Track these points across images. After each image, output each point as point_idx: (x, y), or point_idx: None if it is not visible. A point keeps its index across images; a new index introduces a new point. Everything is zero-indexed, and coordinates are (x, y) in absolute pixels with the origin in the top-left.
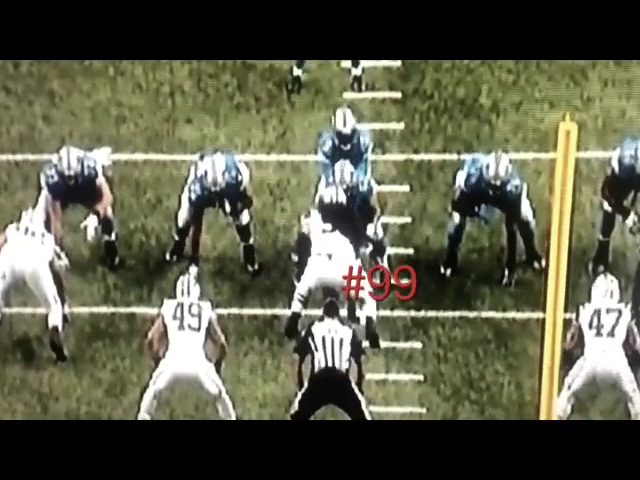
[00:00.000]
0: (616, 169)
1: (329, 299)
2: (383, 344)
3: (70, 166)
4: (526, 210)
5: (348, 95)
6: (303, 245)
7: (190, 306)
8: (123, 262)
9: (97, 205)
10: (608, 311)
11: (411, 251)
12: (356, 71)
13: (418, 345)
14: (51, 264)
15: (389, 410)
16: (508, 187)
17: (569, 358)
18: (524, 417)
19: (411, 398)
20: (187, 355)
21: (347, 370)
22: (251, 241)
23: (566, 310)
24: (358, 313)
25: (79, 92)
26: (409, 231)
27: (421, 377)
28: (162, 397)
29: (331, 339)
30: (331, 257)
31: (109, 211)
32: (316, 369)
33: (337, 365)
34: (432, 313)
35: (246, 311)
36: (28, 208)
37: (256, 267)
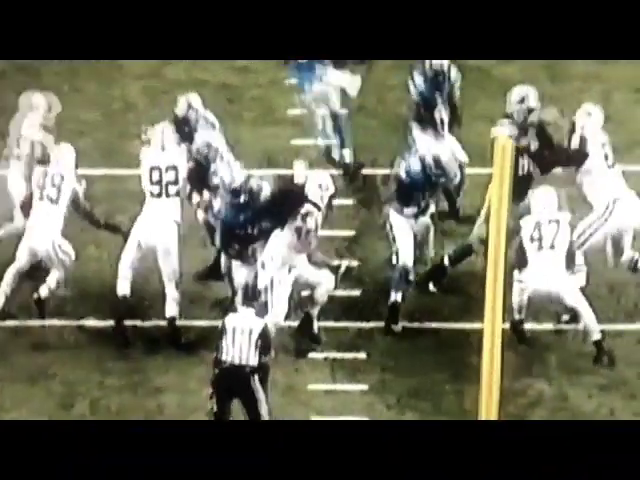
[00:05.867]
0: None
1: (249, 284)
2: (329, 355)
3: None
4: None
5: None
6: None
7: (53, 175)
8: None
9: None
10: (549, 222)
11: (355, 263)
12: None
13: (363, 356)
14: None
15: (335, 419)
16: None
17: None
18: None
19: (357, 407)
20: (42, 229)
21: (252, 366)
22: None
23: (504, 321)
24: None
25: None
26: (354, 244)
27: (366, 387)
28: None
29: (241, 331)
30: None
31: None
32: (222, 364)
33: (242, 361)
34: (377, 324)
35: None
36: None
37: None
